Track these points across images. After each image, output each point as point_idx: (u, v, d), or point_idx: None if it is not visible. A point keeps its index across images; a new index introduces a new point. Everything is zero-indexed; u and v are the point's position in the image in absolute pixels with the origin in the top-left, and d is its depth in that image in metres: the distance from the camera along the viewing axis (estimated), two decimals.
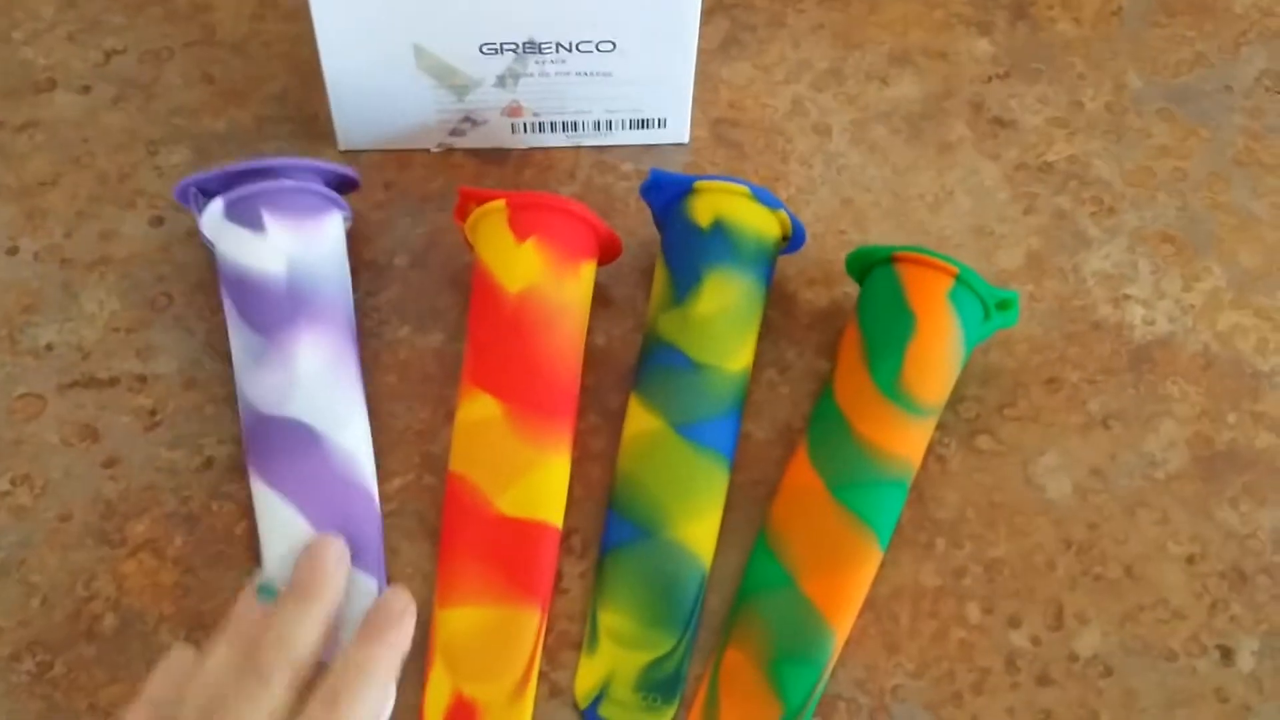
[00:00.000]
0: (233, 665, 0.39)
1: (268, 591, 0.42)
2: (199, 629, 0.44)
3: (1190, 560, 0.46)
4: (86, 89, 0.58)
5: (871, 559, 0.45)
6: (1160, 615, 0.45)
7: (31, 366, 0.50)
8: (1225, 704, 0.43)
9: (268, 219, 0.47)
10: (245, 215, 0.48)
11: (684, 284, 0.49)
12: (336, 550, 0.43)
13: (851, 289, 0.52)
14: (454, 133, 0.56)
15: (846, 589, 0.44)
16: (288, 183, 0.48)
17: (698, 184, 0.49)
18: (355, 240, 0.53)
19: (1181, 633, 0.45)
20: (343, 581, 0.43)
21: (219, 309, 0.50)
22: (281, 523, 0.45)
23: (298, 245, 0.48)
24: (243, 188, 0.48)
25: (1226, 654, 0.44)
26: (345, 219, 0.51)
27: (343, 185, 0.51)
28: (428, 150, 0.56)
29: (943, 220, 0.55)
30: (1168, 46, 0.60)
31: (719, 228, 0.49)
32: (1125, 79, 0.59)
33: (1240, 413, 0.50)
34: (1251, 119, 0.58)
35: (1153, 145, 0.57)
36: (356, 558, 0.45)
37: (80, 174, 0.55)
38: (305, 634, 0.40)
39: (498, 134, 0.56)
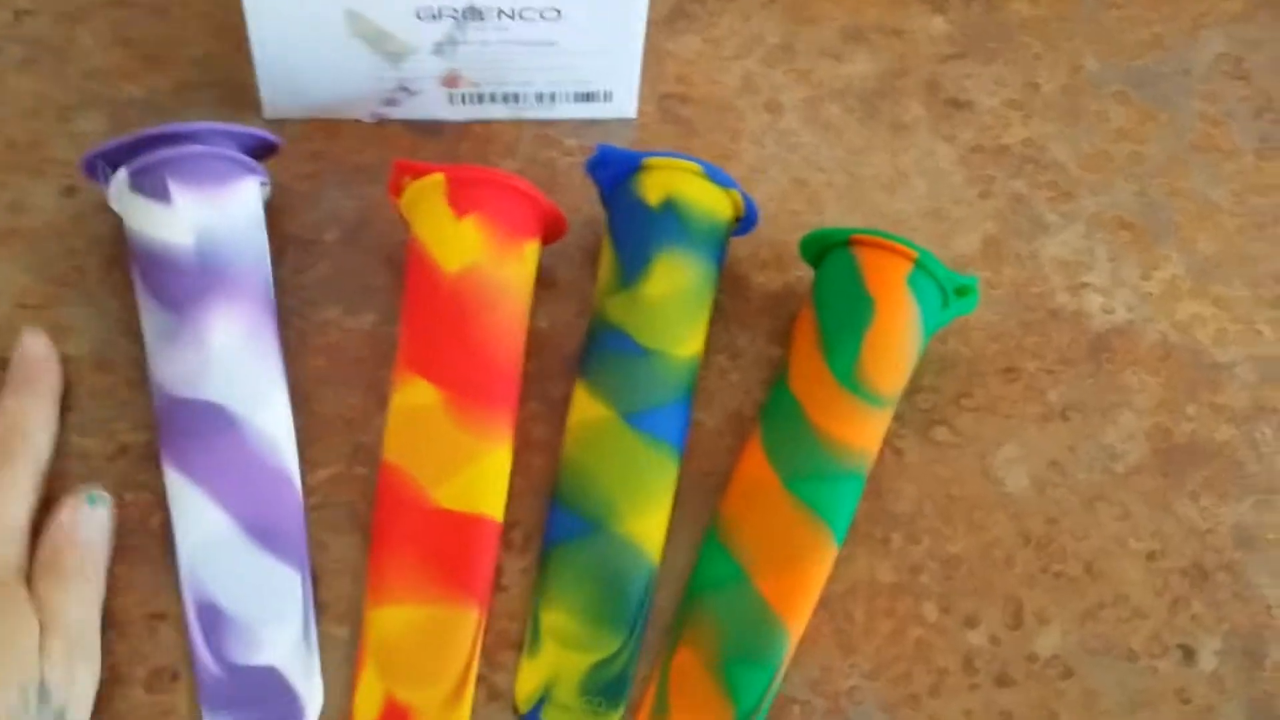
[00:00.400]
0: None
1: None
2: (109, 626, 0.41)
3: (1151, 557, 0.45)
4: None
5: (827, 555, 0.43)
6: (1121, 614, 0.44)
7: None
8: (1187, 705, 0.42)
9: (174, 188, 0.44)
10: (151, 185, 0.44)
11: (632, 265, 0.46)
12: (44, 341, 0.45)
13: (805, 272, 0.50)
14: (388, 102, 0.53)
15: (801, 586, 0.43)
16: (195, 148, 0.45)
17: (647, 160, 0.47)
18: (281, 213, 0.50)
19: (1143, 632, 0.44)
20: (58, 371, 0.45)
21: (134, 285, 0.47)
22: (196, 512, 0.42)
23: (207, 215, 0.45)
24: (147, 155, 0.45)
25: (1188, 654, 0.43)
26: (262, 185, 0.48)
27: (261, 150, 0.48)
28: (359, 120, 0.53)
29: (898, 203, 0.53)
30: (1125, 28, 0.59)
31: (670, 207, 0.47)
32: (1082, 60, 0.58)
33: (1199, 404, 0.48)
34: (1209, 104, 0.57)
35: (1110, 129, 0.56)
36: (277, 547, 0.42)
37: None
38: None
39: (434, 105, 0.53)
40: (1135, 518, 0.46)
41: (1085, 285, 0.51)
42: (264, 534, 0.42)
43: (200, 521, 0.41)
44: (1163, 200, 0.54)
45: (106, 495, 0.42)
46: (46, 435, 0.43)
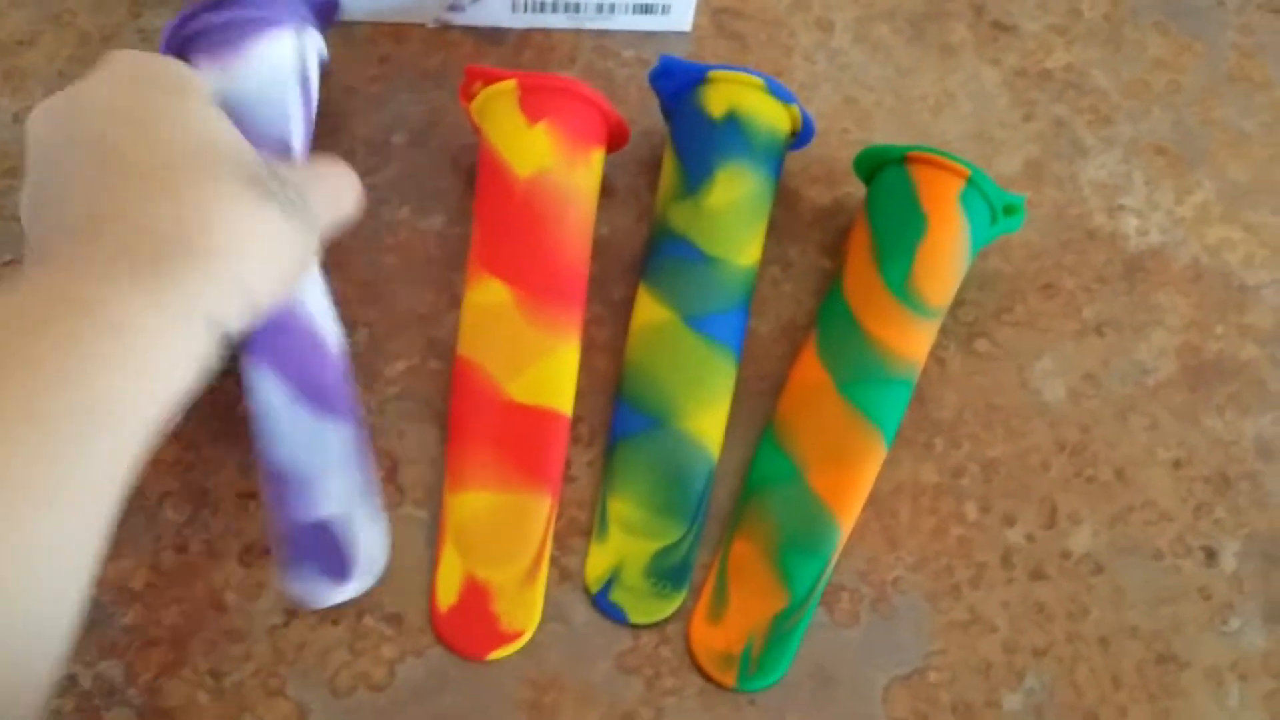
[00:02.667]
0: None
1: None
2: (204, 505, 0.43)
3: (1177, 465, 0.48)
4: None
5: (877, 455, 0.46)
6: (1148, 517, 0.47)
7: (15, 232, 0.47)
8: (1208, 601, 0.45)
9: (201, 62, 0.45)
10: (191, 63, 0.45)
11: (695, 175, 0.48)
12: None
13: (854, 188, 0.52)
14: (452, 8, 0.54)
15: (853, 484, 0.45)
16: (215, 17, 0.45)
17: (712, 74, 0.49)
18: (351, 116, 0.51)
19: (1168, 534, 0.47)
20: None
21: None
22: (259, 382, 0.43)
23: (226, 83, 0.45)
24: (178, 36, 0.45)
25: (1210, 555, 0.46)
26: (300, 35, 0.47)
27: (323, 12, 0.49)
28: (424, 25, 0.54)
29: (944, 124, 0.55)
30: None
31: (732, 120, 0.48)
32: None
33: (1227, 325, 0.51)
34: (1243, 36, 0.59)
35: (1148, 58, 0.58)
36: (326, 404, 0.44)
37: (60, 33, 0.52)
38: None
39: (497, 12, 0.54)
40: (1163, 428, 0.49)
41: (1122, 208, 0.53)
42: (314, 393, 0.43)
43: (262, 390, 0.43)
44: (1197, 128, 0.56)
45: None
46: None
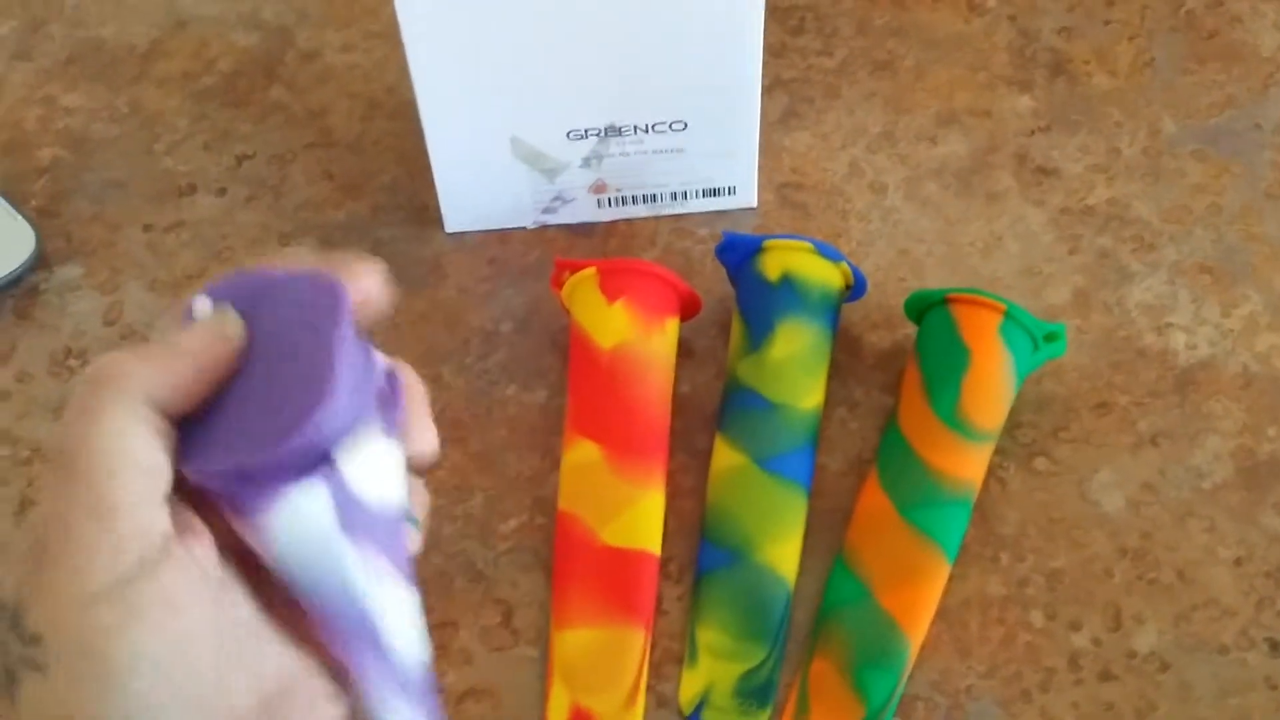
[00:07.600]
0: None
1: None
2: None
3: (1238, 563, 0.50)
4: (223, 191, 0.65)
5: (941, 572, 0.50)
6: (1211, 614, 0.49)
7: None
8: (1274, 691, 0.47)
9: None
10: None
11: (759, 333, 0.54)
12: None
13: (911, 331, 0.57)
14: (546, 210, 0.62)
15: (920, 600, 0.49)
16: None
17: (766, 243, 0.55)
18: (465, 311, 0.59)
19: (1232, 628, 0.49)
20: None
21: None
22: None
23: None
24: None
25: (1274, 646, 0.48)
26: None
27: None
28: (524, 227, 0.63)
29: (994, 264, 0.60)
30: (1199, 91, 0.65)
31: (787, 281, 0.54)
32: (1160, 124, 0.64)
33: None
34: None
35: (1188, 184, 0.62)
36: None
37: (222, 267, 0.62)
38: None
39: (585, 209, 0.62)
40: (1222, 529, 0.51)
41: (1170, 325, 0.57)
42: None
43: None
44: (1240, 245, 0.59)
45: None
46: None
